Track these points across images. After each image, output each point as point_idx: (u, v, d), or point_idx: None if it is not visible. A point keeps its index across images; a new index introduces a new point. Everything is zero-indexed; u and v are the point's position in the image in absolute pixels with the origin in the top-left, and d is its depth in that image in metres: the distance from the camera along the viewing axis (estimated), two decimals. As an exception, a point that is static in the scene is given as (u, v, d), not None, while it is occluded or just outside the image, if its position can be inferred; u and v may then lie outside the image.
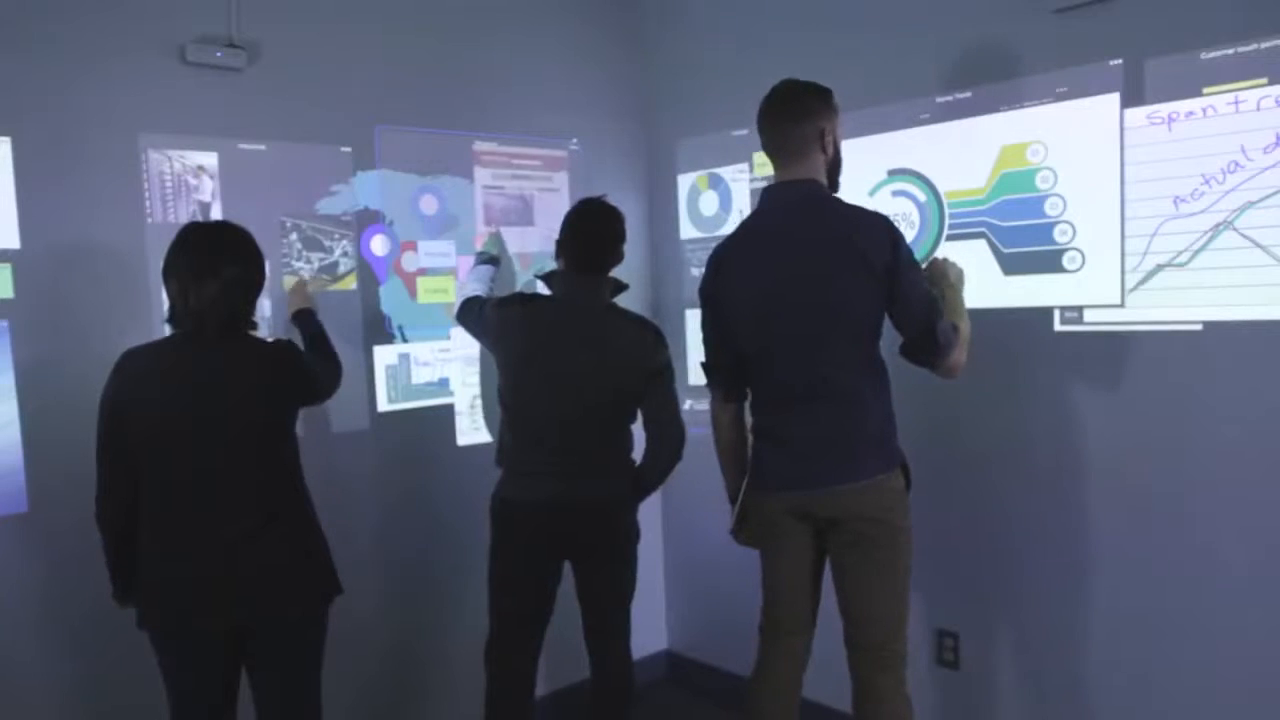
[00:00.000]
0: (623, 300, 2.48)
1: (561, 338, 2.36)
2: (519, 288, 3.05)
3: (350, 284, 2.72)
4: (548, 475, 2.36)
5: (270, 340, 2.08)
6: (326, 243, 2.66)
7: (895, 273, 1.97)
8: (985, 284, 2.50)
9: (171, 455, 1.91)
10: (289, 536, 1.99)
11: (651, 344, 2.41)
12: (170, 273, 1.92)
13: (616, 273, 2.47)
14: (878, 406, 2.06)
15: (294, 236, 2.60)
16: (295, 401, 2.06)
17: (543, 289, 2.49)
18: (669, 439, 2.44)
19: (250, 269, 1.97)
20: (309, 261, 2.63)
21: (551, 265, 3.08)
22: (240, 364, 1.94)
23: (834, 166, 2.13)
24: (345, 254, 2.70)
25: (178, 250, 1.93)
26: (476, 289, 2.69)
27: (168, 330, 1.99)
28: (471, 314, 2.57)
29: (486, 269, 2.78)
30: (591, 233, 2.41)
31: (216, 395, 1.91)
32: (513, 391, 2.41)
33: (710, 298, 2.18)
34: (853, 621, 2.09)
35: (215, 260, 1.91)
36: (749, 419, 2.24)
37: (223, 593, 1.92)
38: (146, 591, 1.96)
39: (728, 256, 2.15)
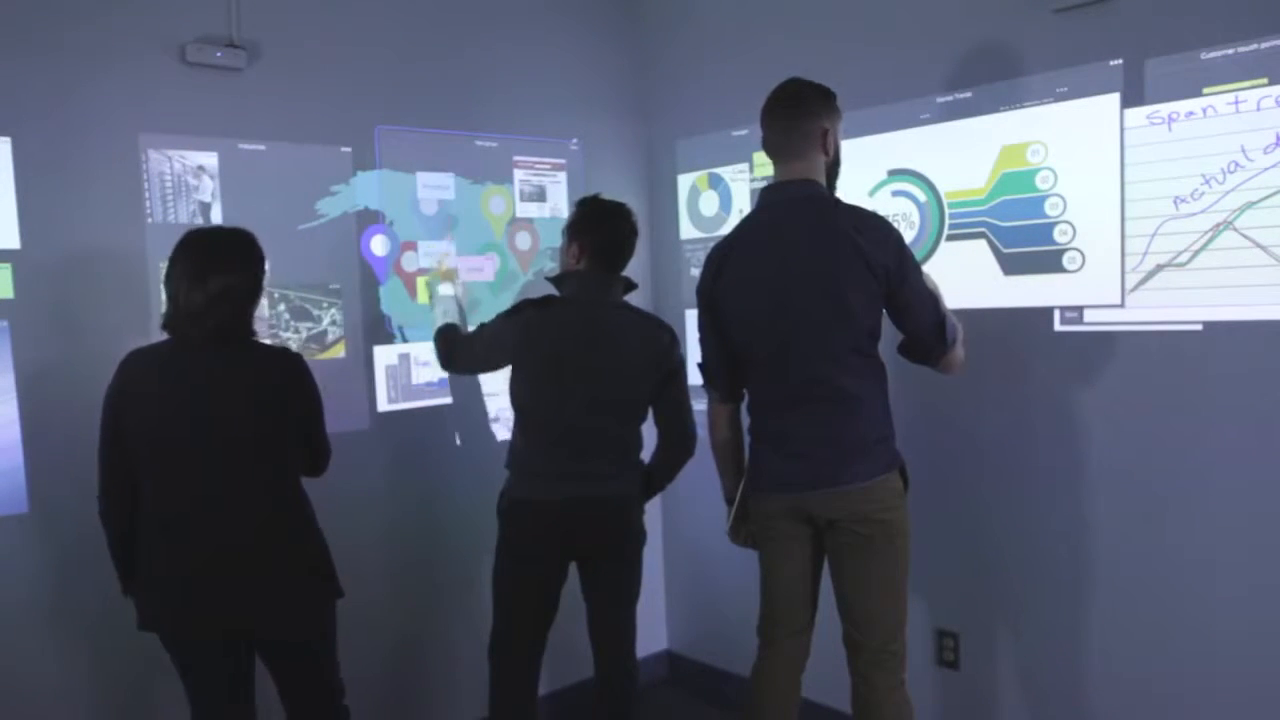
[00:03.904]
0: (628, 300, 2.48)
1: (580, 339, 2.34)
2: (519, 291, 3.05)
3: (339, 351, 2.69)
4: (560, 476, 2.34)
5: (276, 346, 2.06)
6: (315, 311, 2.64)
7: (901, 275, 1.98)
8: (985, 284, 2.50)
9: (167, 457, 1.91)
10: (285, 541, 1.98)
11: (667, 343, 2.41)
12: (168, 278, 1.93)
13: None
14: (876, 407, 2.06)
15: (282, 307, 2.57)
16: (295, 410, 2.01)
17: (549, 289, 2.48)
18: (681, 437, 2.45)
19: (244, 279, 1.95)
20: (297, 331, 2.61)
21: (550, 265, 3.10)
22: (238, 369, 1.93)
23: (833, 168, 2.14)
24: (334, 322, 2.67)
25: (175, 256, 1.93)
26: (449, 318, 2.61)
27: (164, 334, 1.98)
28: (462, 343, 2.52)
29: (451, 295, 2.70)
30: (612, 232, 2.40)
31: (212, 399, 1.90)
32: (530, 394, 2.38)
33: (708, 298, 2.17)
34: (852, 622, 2.09)
35: (206, 269, 1.90)
36: (745, 420, 2.24)
37: (217, 596, 1.92)
38: (145, 592, 1.96)
39: (726, 256, 2.14)
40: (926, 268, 2.28)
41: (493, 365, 2.52)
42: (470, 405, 2.99)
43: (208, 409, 1.90)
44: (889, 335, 2.08)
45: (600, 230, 2.40)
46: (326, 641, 2.11)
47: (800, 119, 2.07)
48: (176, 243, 1.95)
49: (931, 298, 2.04)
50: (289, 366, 2.01)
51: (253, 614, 1.96)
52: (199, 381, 1.91)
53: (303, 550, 2.02)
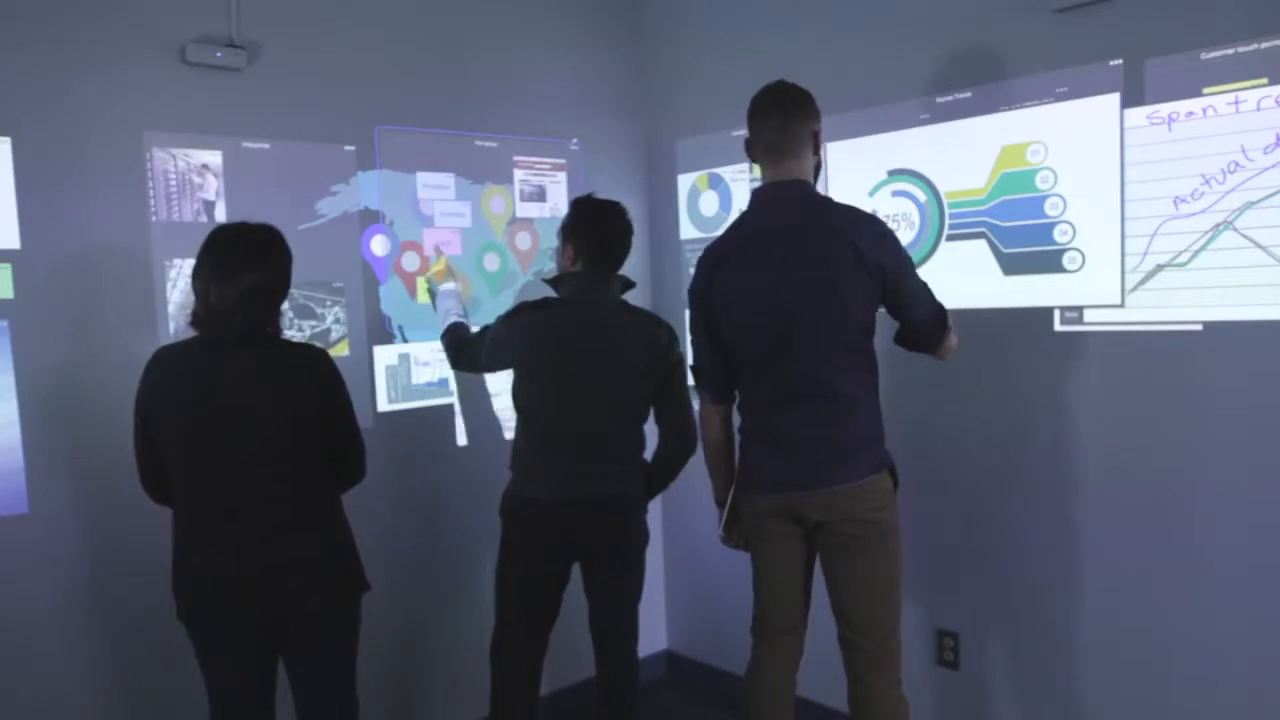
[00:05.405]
0: (626, 299, 2.48)
1: (579, 339, 2.35)
2: (519, 291, 3.05)
3: (343, 350, 2.68)
4: (562, 476, 2.34)
5: (303, 344, 2.06)
6: (319, 310, 2.64)
7: (899, 270, 2.01)
8: (985, 284, 2.50)
9: (198, 453, 1.91)
10: (315, 533, 1.99)
11: (666, 341, 2.41)
12: (195, 275, 1.93)
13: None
14: (868, 408, 2.07)
15: (285, 305, 2.56)
16: (324, 407, 2.00)
17: (546, 291, 2.48)
18: (682, 435, 2.45)
19: (270, 276, 1.95)
20: (300, 330, 2.60)
21: (549, 265, 3.10)
22: (266, 366, 1.93)
23: (817, 169, 2.17)
24: (338, 320, 2.68)
25: (203, 253, 1.93)
26: (456, 315, 2.64)
27: (192, 332, 1.97)
28: (470, 346, 2.53)
29: (452, 289, 2.74)
30: (611, 230, 2.40)
31: (241, 396, 1.90)
32: (531, 395, 2.39)
33: (702, 298, 2.17)
34: (845, 622, 2.10)
35: (234, 267, 1.90)
36: (736, 420, 2.24)
37: (250, 588, 1.92)
38: (179, 584, 1.97)
39: (721, 257, 2.14)
40: (924, 269, 2.29)
41: (495, 368, 2.57)
42: (478, 404, 2.99)
43: (237, 408, 1.90)
44: (884, 332, 2.09)
45: (594, 230, 2.40)
46: (349, 646, 2.09)
47: (794, 119, 2.08)
48: (204, 240, 1.94)
49: (927, 289, 2.09)
50: (317, 364, 2.00)
51: (280, 605, 1.96)
52: (228, 380, 1.91)
53: (332, 545, 2.03)
